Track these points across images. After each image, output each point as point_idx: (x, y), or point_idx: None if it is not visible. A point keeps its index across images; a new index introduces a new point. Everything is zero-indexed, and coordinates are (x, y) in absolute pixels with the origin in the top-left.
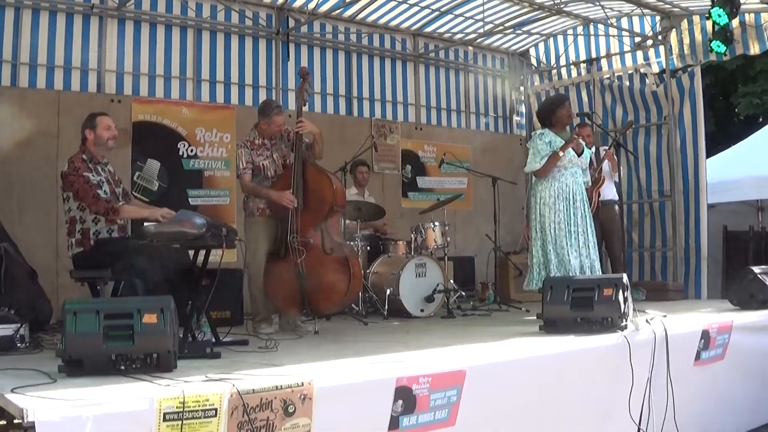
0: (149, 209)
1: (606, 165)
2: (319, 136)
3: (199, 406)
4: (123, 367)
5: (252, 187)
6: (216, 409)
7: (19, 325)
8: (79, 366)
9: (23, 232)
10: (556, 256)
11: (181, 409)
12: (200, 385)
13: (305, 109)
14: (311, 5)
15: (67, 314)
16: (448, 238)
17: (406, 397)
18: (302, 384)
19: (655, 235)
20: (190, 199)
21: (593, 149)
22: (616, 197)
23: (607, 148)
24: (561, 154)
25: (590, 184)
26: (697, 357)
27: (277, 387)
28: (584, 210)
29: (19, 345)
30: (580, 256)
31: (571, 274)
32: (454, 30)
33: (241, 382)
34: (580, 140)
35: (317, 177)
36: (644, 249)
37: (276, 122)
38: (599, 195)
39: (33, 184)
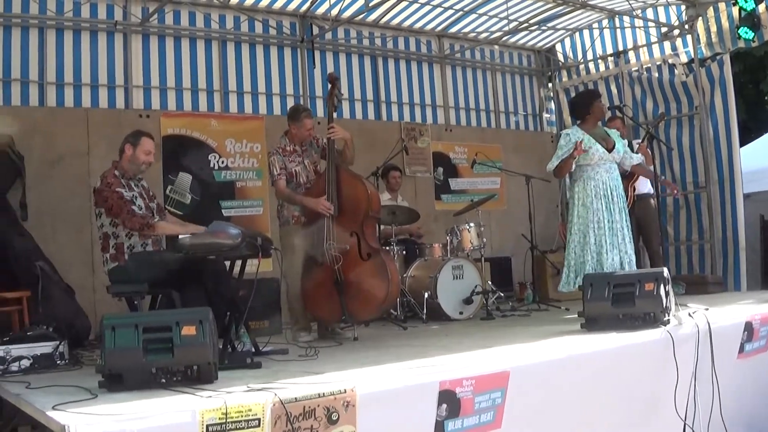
0: (184, 226)
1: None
2: (350, 141)
3: (242, 416)
4: (164, 380)
5: (287, 194)
6: (259, 419)
7: (58, 342)
8: (119, 381)
9: (58, 251)
10: (595, 256)
11: (224, 420)
12: (242, 395)
13: (335, 115)
14: (334, 11)
15: (105, 329)
16: (484, 239)
17: (450, 401)
18: (345, 391)
19: (692, 228)
20: (223, 211)
21: (626, 141)
22: (652, 190)
23: (640, 141)
24: (572, 160)
25: (641, 162)
26: (741, 350)
27: (319, 395)
28: (621, 205)
29: (58, 362)
30: (620, 252)
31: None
32: (479, 29)
33: (283, 391)
34: (589, 146)
35: (352, 183)
36: (680, 242)
37: (306, 126)
38: (634, 189)
39: (65, 203)
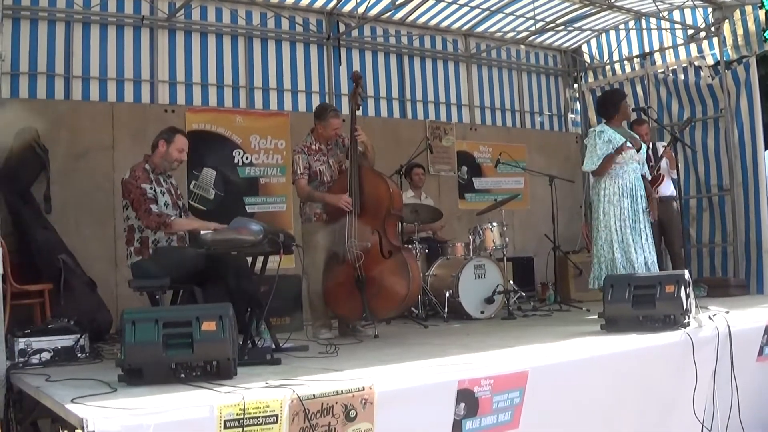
0: (200, 222)
1: (664, 162)
2: (371, 147)
3: (260, 412)
4: (183, 375)
5: (308, 192)
6: (277, 416)
7: (79, 335)
8: (138, 375)
9: (81, 244)
10: (624, 254)
11: (242, 416)
12: (261, 391)
13: (359, 113)
14: (361, 9)
15: (126, 324)
16: (507, 239)
17: (468, 400)
18: (363, 388)
19: (715, 230)
20: (246, 207)
21: (650, 145)
22: (674, 193)
23: (665, 145)
24: (617, 156)
25: (648, 177)
26: (760, 353)
27: (338, 392)
28: (643, 206)
29: (79, 355)
30: (644, 252)
31: (638, 272)
32: (505, 29)
33: (301, 387)
34: (629, 144)
35: (374, 181)
36: (703, 245)
37: (332, 125)
38: (657, 193)
39: (89, 197)
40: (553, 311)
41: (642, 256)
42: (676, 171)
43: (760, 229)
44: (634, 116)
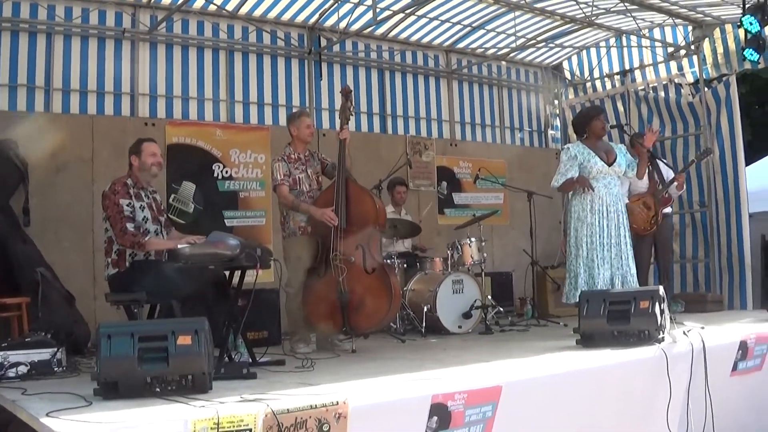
0: (174, 242)
1: (673, 187)
2: (349, 154)
3: (233, 426)
4: (158, 389)
5: (291, 200)
6: (251, 430)
7: (56, 349)
8: (114, 389)
9: (60, 257)
10: (586, 270)
11: (216, 430)
12: (235, 405)
13: (347, 126)
14: (342, 24)
15: (101, 338)
16: (485, 254)
17: (441, 414)
18: (337, 403)
19: (697, 246)
20: (225, 221)
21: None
22: (671, 209)
23: (680, 171)
24: (574, 180)
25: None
26: (734, 368)
27: (311, 406)
28: (619, 220)
29: (56, 369)
30: (612, 267)
31: (600, 287)
32: (487, 45)
33: (275, 402)
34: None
35: (360, 196)
36: (686, 260)
37: (304, 122)
38: (662, 213)
39: (69, 209)
40: (531, 326)
41: (609, 271)
42: (684, 190)
43: (742, 245)
44: (615, 132)
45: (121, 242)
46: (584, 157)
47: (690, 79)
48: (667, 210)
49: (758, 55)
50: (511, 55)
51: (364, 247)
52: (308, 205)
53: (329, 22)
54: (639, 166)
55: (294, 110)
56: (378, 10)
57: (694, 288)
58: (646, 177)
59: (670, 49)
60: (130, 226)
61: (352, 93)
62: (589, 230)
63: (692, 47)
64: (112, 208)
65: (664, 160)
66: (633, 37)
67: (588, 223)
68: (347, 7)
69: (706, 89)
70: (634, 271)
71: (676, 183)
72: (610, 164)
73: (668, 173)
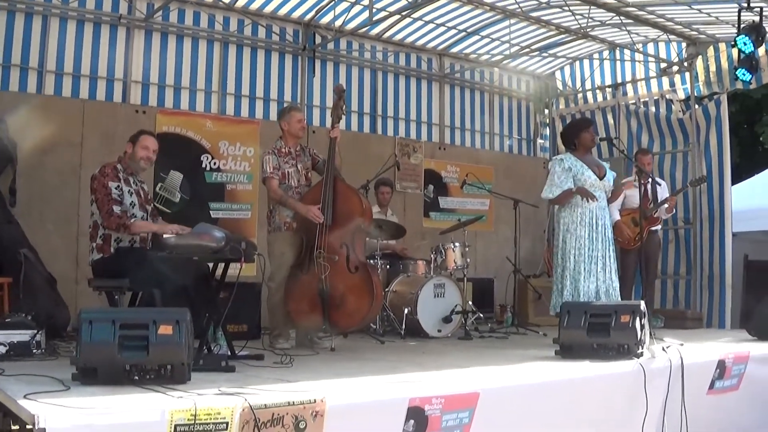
0: (159, 225)
1: (663, 208)
2: (339, 153)
3: (210, 419)
4: (137, 378)
5: (280, 194)
6: (227, 423)
7: (35, 331)
8: (92, 375)
9: (44, 239)
10: (572, 282)
11: (193, 422)
12: (213, 398)
13: (337, 125)
14: (338, 22)
15: (83, 323)
16: (468, 260)
17: (417, 418)
18: (314, 401)
19: (680, 263)
20: (211, 212)
21: (651, 179)
22: (659, 227)
23: (673, 194)
24: (574, 191)
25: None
26: (711, 386)
27: (289, 403)
28: (605, 234)
29: (35, 351)
30: (597, 280)
31: (586, 300)
32: (480, 51)
33: (253, 396)
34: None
35: (347, 195)
36: (668, 276)
37: (295, 117)
38: (649, 230)
39: (55, 192)
40: (510, 334)
41: (595, 284)
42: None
43: (724, 264)
44: (604, 145)
45: (107, 224)
46: (577, 170)
47: (681, 95)
48: (656, 227)
49: (750, 75)
50: (504, 62)
51: (348, 245)
52: (295, 201)
53: (325, 20)
54: (614, 192)
55: (285, 105)
56: (374, 10)
57: (673, 304)
58: (638, 193)
59: (663, 65)
60: (116, 208)
61: (345, 92)
62: (578, 242)
63: (685, 64)
64: (100, 190)
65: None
66: (626, 51)
67: (577, 235)
68: (343, 5)
69: (696, 106)
70: (617, 284)
71: (666, 205)
72: (600, 179)
73: (663, 194)
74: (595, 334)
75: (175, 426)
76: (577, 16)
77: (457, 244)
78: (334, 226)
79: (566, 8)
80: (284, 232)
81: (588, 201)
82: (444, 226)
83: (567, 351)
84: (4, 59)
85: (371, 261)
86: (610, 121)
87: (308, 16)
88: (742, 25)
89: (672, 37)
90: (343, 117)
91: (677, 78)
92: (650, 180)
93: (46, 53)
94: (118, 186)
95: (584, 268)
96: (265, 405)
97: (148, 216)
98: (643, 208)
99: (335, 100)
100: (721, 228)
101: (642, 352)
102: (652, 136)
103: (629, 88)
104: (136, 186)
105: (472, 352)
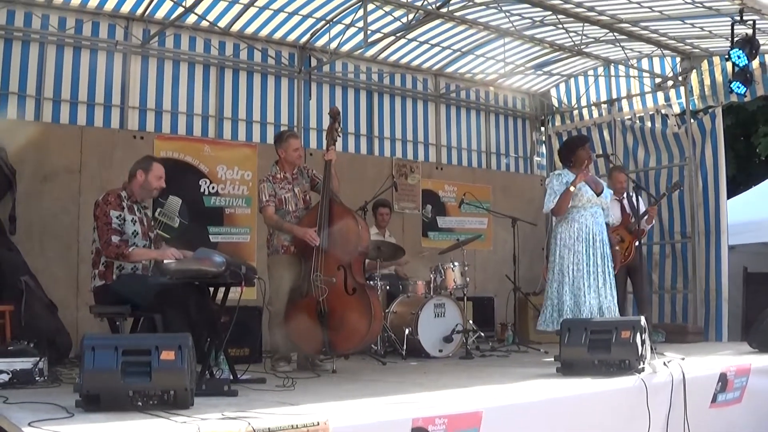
0: (158, 252)
1: (644, 220)
2: (336, 175)
3: None
4: (140, 404)
5: (276, 220)
6: None
7: (38, 358)
8: (96, 401)
9: (44, 266)
10: (572, 297)
11: None
12: (216, 422)
13: (333, 147)
14: (333, 45)
15: (85, 349)
16: (468, 279)
17: None
18: (318, 423)
19: (677, 277)
20: (210, 236)
21: (626, 194)
22: (644, 240)
23: (651, 205)
24: (573, 189)
25: (615, 223)
26: (714, 399)
27: (292, 426)
28: (604, 250)
29: (37, 378)
30: (599, 296)
31: (588, 316)
32: (476, 70)
33: (256, 420)
34: (590, 174)
35: (344, 217)
36: (665, 290)
37: (292, 145)
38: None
39: (55, 219)
40: (511, 352)
41: (597, 299)
42: (652, 224)
43: (720, 277)
44: (601, 161)
45: (105, 253)
46: (578, 184)
47: (676, 110)
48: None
49: (745, 89)
50: (500, 80)
51: (345, 267)
52: (291, 225)
53: (320, 43)
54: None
55: (282, 128)
56: (369, 32)
57: (671, 319)
58: (618, 210)
59: (658, 80)
60: (115, 238)
61: (341, 114)
62: (576, 258)
63: (680, 78)
64: (101, 218)
65: (647, 192)
66: (621, 67)
67: (575, 250)
68: (338, 28)
69: (692, 120)
70: (615, 301)
71: (646, 216)
72: (598, 194)
73: (643, 207)
74: (596, 350)
75: None
76: (571, 34)
77: (456, 263)
78: (330, 249)
79: (560, 26)
80: (282, 256)
81: (585, 173)
82: (443, 246)
83: (568, 368)
84: (1, 87)
85: (370, 282)
86: (606, 137)
87: (303, 39)
88: (735, 39)
89: (666, 51)
90: (339, 139)
91: (672, 92)
92: (625, 195)
93: (44, 80)
94: (120, 215)
95: (584, 284)
96: (269, 429)
97: (151, 244)
98: (626, 224)
99: (330, 123)
100: (717, 241)
101: (643, 368)
102: (648, 151)
103: (624, 103)
104: (140, 214)
105: (474, 371)
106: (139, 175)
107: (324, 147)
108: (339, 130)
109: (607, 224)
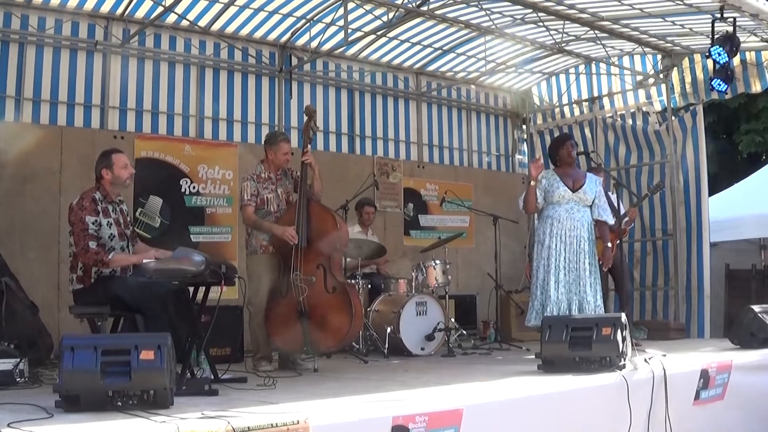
0: (137, 256)
1: (624, 221)
2: (318, 175)
3: None
4: (120, 404)
5: (254, 220)
6: None
7: (18, 359)
8: (76, 402)
9: (25, 267)
10: (542, 293)
11: None
12: (195, 422)
13: (309, 147)
14: (314, 44)
15: (64, 350)
16: (450, 277)
17: None
18: (298, 422)
19: (658, 274)
20: (191, 236)
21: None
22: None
23: (632, 205)
24: (533, 183)
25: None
26: (697, 397)
27: (272, 425)
28: (579, 246)
29: (18, 380)
30: (569, 292)
31: (555, 312)
32: (457, 68)
33: (236, 419)
34: (540, 165)
35: (321, 215)
36: (646, 287)
37: (283, 149)
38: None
39: (35, 220)
40: (493, 350)
41: (565, 295)
42: (633, 224)
43: (702, 274)
44: (582, 158)
45: (83, 260)
46: (549, 183)
47: (658, 107)
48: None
49: (726, 86)
50: (481, 79)
51: (325, 266)
52: (270, 224)
53: (301, 41)
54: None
55: (264, 128)
56: (349, 30)
57: (652, 315)
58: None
59: (639, 78)
60: (92, 244)
61: (316, 112)
62: (546, 253)
63: (661, 76)
64: (77, 224)
65: (628, 190)
66: (602, 65)
67: (546, 245)
68: (319, 27)
69: (673, 118)
70: (591, 299)
71: (626, 218)
72: (574, 191)
73: (617, 205)
74: (576, 347)
75: None
76: (552, 32)
77: (438, 261)
78: (309, 248)
79: (541, 24)
80: (261, 255)
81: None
82: (425, 244)
83: (549, 365)
84: None
85: (352, 281)
86: (588, 134)
87: (284, 38)
88: (716, 36)
89: (647, 49)
90: (318, 136)
91: (653, 90)
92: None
93: (23, 81)
94: (96, 221)
95: (552, 279)
96: (249, 427)
97: (128, 242)
98: None
99: (306, 121)
100: (698, 238)
101: (624, 364)
102: (630, 148)
103: (606, 101)
104: (116, 213)
105: (456, 369)
106: (105, 174)
107: (302, 145)
108: (314, 127)
109: (604, 222)
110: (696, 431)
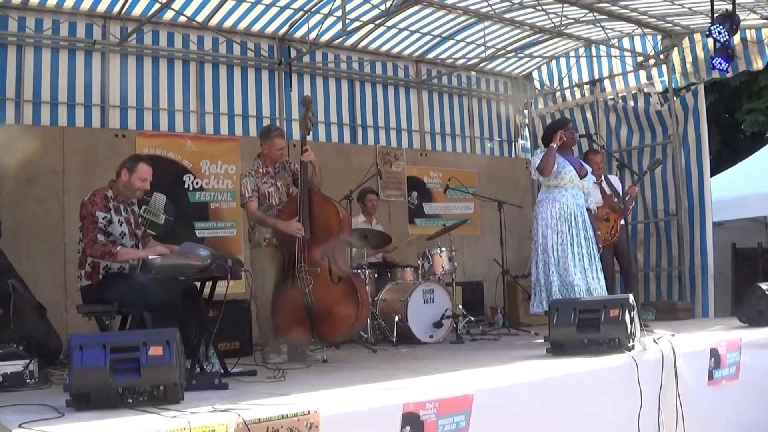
0: (145, 250)
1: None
2: (318, 168)
3: None
4: (130, 400)
5: (259, 216)
6: None
7: (28, 361)
8: (86, 400)
9: (31, 269)
10: (559, 278)
11: None
12: (206, 416)
13: (309, 138)
14: (312, 35)
15: (73, 349)
16: (456, 264)
17: (413, 423)
18: (308, 412)
19: (661, 255)
20: (196, 232)
21: (603, 177)
22: (628, 219)
23: (632, 184)
24: (554, 144)
25: (595, 210)
26: (710, 377)
27: (283, 416)
28: (587, 232)
29: (28, 381)
30: (586, 277)
31: (577, 296)
32: (456, 55)
33: (247, 412)
34: (560, 141)
35: (323, 206)
36: (650, 269)
37: (277, 144)
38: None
39: (39, 221)
40: (502, 335)
41: (584, 280)
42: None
43: (706, 254)
44: (585, 141)
45: (90, 251)
46: (558, 163)
47: (659, 88)
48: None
49: (727, 64)
50: (481, 65)
51: (329, 257)
52: (275, 220)
53: (299, 33)
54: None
55: (265, 121)
56: (348, 21)
57: (656, 296)
58: (598, 191)
59: (640, 59)
60: (100, 236)
61: (313, 104)
62: (560, 238)
63: (661, 56)
64: (87, 218)
65: (629, 170)
66: (602, 47)
67: (558, 230)
68: (317, 18)
69: (674, 98)
70: (603, 282)
71: (628, 196)
72: (581, 177)
73: (619, 185)
74: (585, 330)
75: None
76: (551, 15)
77: (443, 249)
78: (312, 239)
79: (539, 8)
80: (264, 248)
81: (561, 139)
82: (430, 232)
83: (558, 348)
84: None
85: (358, 271)
86: (589, 117)
87: (282, 31)
88: (715, 15)
89: (647, 30)
90: (320, 127)
91: (654, 71)
92: (603, 177)
93: (23, 82)
94: (106, 217)
95: (570, 264)
96: (260, 419)
97: (138, 242)
98: (610, 203)
99: (303, 112)
100: (701, 218)
101: (633, 345)
102: (632, 130)
103: (607, 83)
104: (126, 213)
105: (465, 355)
106: (123, 174)
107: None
108: (312, 118)
109: (589, 210)
110: (711, 412)
